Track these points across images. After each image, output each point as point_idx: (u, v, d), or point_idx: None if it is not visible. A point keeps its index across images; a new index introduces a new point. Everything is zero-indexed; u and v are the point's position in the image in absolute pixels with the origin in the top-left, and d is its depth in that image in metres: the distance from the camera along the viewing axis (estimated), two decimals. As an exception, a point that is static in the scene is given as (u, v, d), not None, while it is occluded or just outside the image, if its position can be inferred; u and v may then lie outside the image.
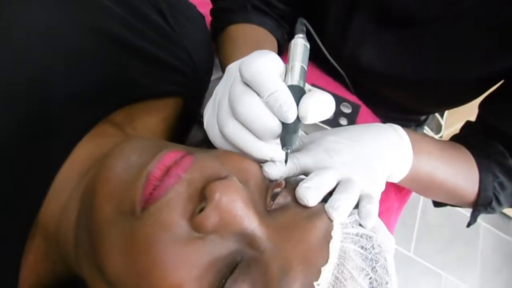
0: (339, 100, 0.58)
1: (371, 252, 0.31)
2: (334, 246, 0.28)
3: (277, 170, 0.32)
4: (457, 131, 0.61)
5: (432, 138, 0.50)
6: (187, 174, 0.28)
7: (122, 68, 0.39)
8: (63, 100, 0.35)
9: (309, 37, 0.36)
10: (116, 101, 0.39)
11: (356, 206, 0.34)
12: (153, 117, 0.43)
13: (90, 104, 0.37)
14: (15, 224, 0.32)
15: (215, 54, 0.54)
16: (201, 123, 0.40)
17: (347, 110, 0.57)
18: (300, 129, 0.32)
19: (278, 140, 0.32)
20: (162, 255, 0.26)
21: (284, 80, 0.33)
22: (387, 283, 0.30)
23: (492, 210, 0.54)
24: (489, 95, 0.60)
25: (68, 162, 0.35)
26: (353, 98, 0.66)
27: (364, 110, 0.64)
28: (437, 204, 0.60)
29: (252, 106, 0.30)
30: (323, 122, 0.54)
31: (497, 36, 0.52)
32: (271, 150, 0.32)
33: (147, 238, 0.26)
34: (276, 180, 0.33)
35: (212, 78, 0.53)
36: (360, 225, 0.32)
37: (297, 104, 0.30)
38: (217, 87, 0.37)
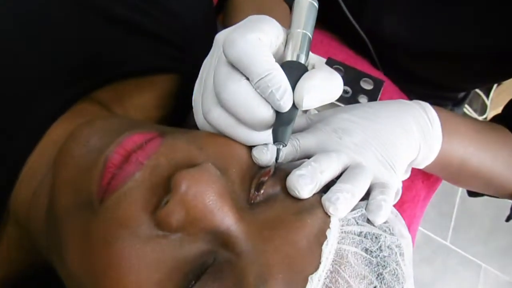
0: (359, 76, 0.51)
1: (378, 256, 0.25)
2: (328, 249, 0.23)
3: (268, 155, 0.27)
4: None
5: (469, 118, 0.44)
6: (150, 160, 0.24)
7: (105, 41, 0.35)
8: (36, 75, 0.32)
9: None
10: (99, 77, 0.36)
11: (367, 197, 0.29)
12: (146, 95, 0.40)
13: (68, 81, 0.34)
14: None
15: (219, 26, 0.49)
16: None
17: (368, 86, 0.51)
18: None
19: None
20: (118, 256, 0.22)
21: (284, 52, 0.28)
22: (397, 293, 0.25)
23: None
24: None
25: (41, 144, 0.32)
26: (377, 73, 0.59)
27: (389, 86, 0.57)
28: (472, 193, 0.54)
29: (238, 94, 0.25)
30: (338, 100, 0.48)
31: None
32: (264, 137, 0.27)
33: (103, 235, 0.23)
34: (267, 167, 0.28)
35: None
36: (369, 221, 0.27)
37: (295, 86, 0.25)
38: (205, 60, 0.32)
